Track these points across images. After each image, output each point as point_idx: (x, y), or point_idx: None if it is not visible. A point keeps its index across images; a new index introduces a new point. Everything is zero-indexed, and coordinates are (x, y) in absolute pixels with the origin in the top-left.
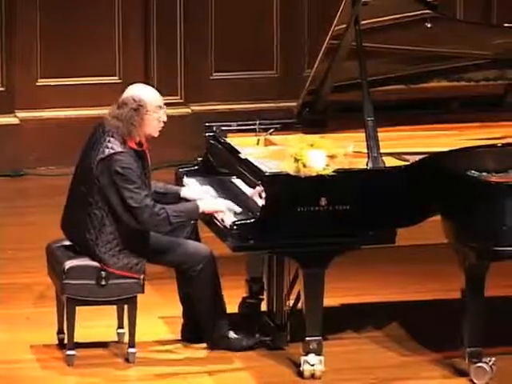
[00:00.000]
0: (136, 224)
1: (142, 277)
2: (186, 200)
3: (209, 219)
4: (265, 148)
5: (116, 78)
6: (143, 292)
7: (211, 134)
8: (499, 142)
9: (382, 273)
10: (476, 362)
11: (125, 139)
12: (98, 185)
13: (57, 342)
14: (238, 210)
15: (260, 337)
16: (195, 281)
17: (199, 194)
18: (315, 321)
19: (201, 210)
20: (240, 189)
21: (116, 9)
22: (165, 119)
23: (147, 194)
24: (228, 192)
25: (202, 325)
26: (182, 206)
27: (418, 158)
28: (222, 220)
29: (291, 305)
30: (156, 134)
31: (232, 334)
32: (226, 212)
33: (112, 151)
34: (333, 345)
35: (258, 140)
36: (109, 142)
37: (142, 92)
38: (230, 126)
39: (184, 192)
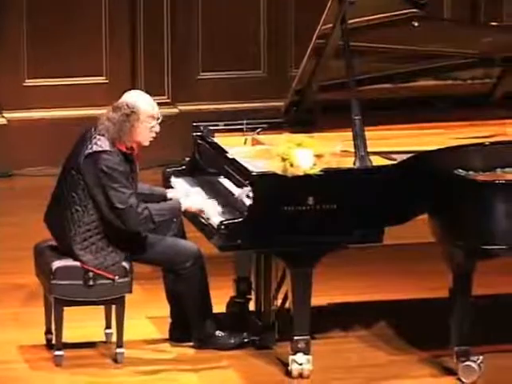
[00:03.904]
0: (120, 224)
1: (116, 278)
2: None
3: (192, 216)
4: (252, 147)
5: (103, 78)
6: (131, 292)
7: (198, 133)
8: (486, 141)
9: (370, 272)
10: (464, 361)
11: (114, 141)
12: (82, 180)
13: (45, 342)
14: (220, 209)
15: (247, 335)
16: (184, 278)
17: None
18: (303, 320)
19: (183, 209)
20: (227, 188)
21: (103, 9)
22: (157, 130)
23: (132, 192)
24: (215, 192)
25: (190, 323)
26: (164, 205)
27: (405, 157)
28: (208, 218)
29: (279, 304)
30: (146, 143)
31: (219, 333)
32: (210, 210)
33: (100, 149)
34: (321, 344)
35: (246, 139)
36: (98, 140)
37: (137, 99)
38: (217, 125)
39: (170, 194)
